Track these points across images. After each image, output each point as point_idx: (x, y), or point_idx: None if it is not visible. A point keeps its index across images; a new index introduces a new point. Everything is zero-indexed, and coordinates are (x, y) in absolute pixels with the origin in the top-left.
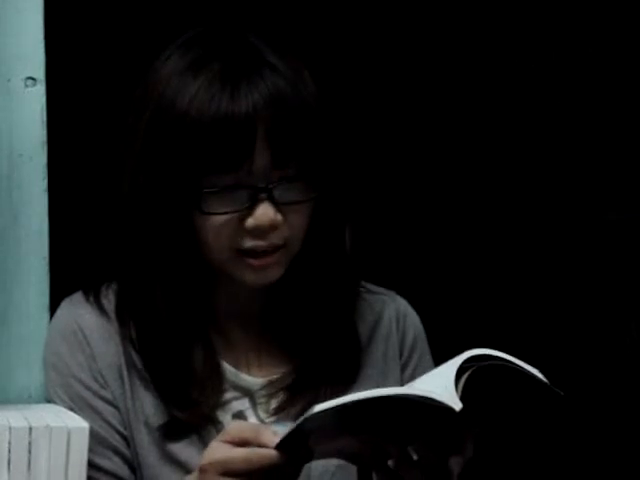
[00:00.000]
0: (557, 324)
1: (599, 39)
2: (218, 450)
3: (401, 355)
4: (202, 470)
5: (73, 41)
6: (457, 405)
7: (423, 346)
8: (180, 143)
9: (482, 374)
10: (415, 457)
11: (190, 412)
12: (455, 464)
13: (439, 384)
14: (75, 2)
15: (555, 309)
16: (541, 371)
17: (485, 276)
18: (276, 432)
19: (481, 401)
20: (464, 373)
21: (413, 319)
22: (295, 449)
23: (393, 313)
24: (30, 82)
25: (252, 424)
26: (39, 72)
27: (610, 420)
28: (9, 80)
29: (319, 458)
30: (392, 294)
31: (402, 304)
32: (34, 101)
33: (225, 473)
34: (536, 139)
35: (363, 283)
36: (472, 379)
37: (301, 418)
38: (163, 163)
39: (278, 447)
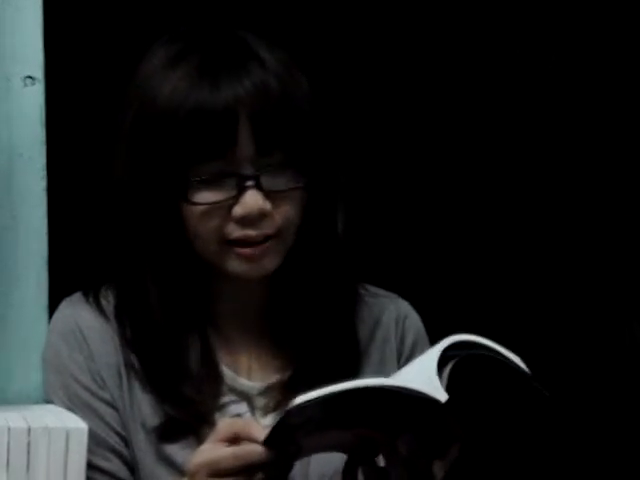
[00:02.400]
0: (558, 323)
1: (599, 39)
2: (205, 452)
3: (399, 358)
4: (191, 474)
5: (72, 40)
6: (442, 396)
7: (424, 349)
8: (163, 134)
9: (467, 366)
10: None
11: (185, 411)
12: (439, 468)
13: (423, 375)
14: (74, 1)
15: (556, 308)
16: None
17: (485, 276)
18: (266, 427)
19: (467, 394)
20: (448, 362)
21: (414, 321)
22: (283, 444)
23: (393, 316)
24: (29, 81)
25: (242, 419)
26: (38, 71)
27: (609, 420)
28: (8, 79)
29: (309, 453)
30: (394, 297)
31: (403, 306)
32: (33, 100)
33: (214, 474)
34: (534, 138)
35: (365, 286)
36: (457, 370)
37: (284, 410)
38: (148, 155)
39: (266, 443)
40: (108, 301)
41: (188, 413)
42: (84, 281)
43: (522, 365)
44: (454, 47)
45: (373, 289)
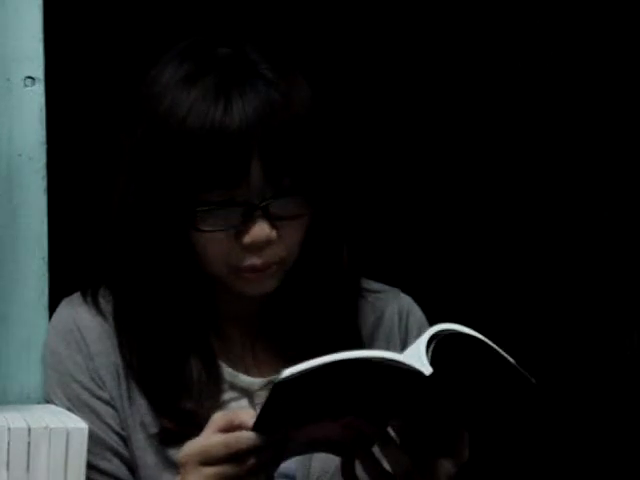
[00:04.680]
0: (554, 320)
1: (596, 35)
2: (196, 441)
3: None
4: (182, 464)
5: (73, 40)
6: (427, 370)
7: None
8: (174, 160)
9: (452, 344)
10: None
11: (183, 425)
12: (447, 464)
13: (412, 354)
14: (74, 2)
15: (553, 306)
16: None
17: (487, 279)
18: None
19: (456, 379)
20: (433, 341)
21: (417, 316)
22: (273, 429)
23: (395, 311)
24: (29, 81)
25: (235, 410)
26: (38, 71)
27: (609, 426)
28: (8, 79)
29: (301, 451)
30: (396, 291)
31: (406, 301)
32: (33, 101)
33: (204, 462)
34: (532, 138)
35: (366, 281)
36: (444, 351)
37: (272, 386)
38: (156, 180)
39: (255, 429)
40: (107, 300)
41: (188, 427)
42: (84, 281)
43: (510, 358)
44: (452, 46)
45: (375, 284)
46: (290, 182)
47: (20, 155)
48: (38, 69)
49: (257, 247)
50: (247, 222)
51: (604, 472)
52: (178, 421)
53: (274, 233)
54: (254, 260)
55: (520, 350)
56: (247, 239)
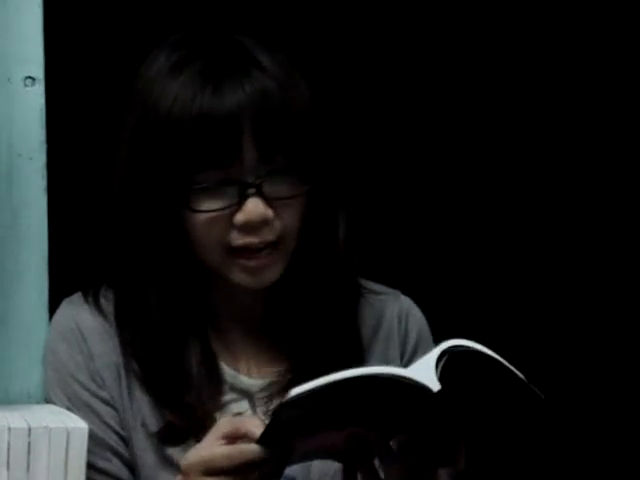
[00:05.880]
0: (552, 319)
1: (597, 37)
2: (200, 450)
3: (403, 355)
4: (184, 472)
5: (73, 40)
6: (435, 386)
7: (427, 345)
8: (165, 143)
9: (461, 361)
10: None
11: (185, 417)
12: (445, 476)
13: (420, 369)
14: (75, 2)
15: (551, 305)
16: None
17: (487, 273)
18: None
19: (461, 388)
20: (443, 358)
21: (417, 318)
22: (278, 442)
23: (395, 312)
24: (29, 81)
25: (241, 417)
26: (38, 71)
27: (608, 426)
28: (9, 79)
29: (304, 459)
30: (396, 293)
31: (406, 303)
32: (33, 100)
33: (207, 472)
34: (532, 138)
35: (366, 282)
36: (451, 364)
37: (278, 404)
38: (149, 163)
39: (260, 441)
40: (108, 300)
41: (189, 420)
42: (85, 281)
43: (519, 374)
44: (453, 46)
45: (375, 286)
46: (283, 160)
47: (20, 155)
48: (38, 69)
49: (252, 227)
50: (241, 201)
51: (604, 472)
52: (181, 413)
53: (269, 212)
54: (250, 239)
55: (518, 349)
56: (241, 217)
